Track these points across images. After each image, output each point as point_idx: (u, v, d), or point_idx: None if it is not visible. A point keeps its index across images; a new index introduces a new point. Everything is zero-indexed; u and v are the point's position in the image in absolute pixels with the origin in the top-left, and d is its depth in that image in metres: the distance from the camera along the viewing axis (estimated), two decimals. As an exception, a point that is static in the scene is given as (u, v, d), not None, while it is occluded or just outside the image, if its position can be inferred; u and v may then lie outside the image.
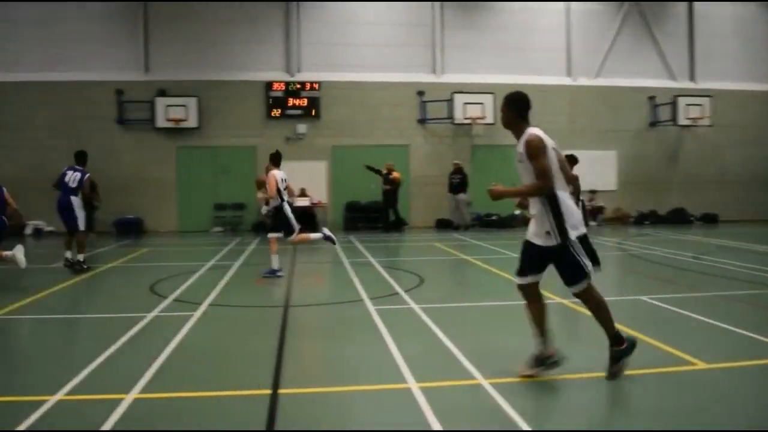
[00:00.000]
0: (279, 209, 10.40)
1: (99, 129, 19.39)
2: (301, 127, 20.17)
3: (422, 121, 20.79)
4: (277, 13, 20.31)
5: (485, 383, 4.73)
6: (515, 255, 5.07)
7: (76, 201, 11.21)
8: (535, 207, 4.78)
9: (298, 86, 20.05)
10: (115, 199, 19.05)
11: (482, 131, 20.25)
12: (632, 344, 4.76)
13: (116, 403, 4.36)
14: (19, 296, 8.61)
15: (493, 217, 19.92)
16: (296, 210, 11.87)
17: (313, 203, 19.70)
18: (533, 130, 4.71)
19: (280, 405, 4.40)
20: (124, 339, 6.16)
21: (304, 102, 20.09)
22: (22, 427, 3.96)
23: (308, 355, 6.00)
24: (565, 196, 4.69)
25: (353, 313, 7.63)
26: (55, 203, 11.31)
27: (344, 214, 20.16)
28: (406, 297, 8.38)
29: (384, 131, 20.56)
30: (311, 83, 20.06)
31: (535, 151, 4.61)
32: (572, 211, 4.70)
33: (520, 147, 4.75)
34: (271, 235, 10.51)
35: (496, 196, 4.77)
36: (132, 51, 19.83)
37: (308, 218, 19.52)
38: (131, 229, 19.17)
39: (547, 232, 4.67)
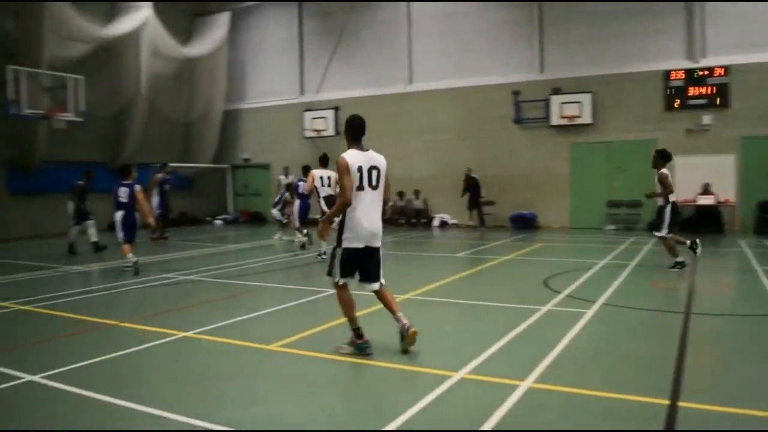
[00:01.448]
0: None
1: (498, 129, 20.84)
2: (706, 118, 18.35)
3: None
4: (678, -3, 18.79)
5: None
6: None
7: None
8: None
9: (702, 73, 18.32)
10: (511, 196, 20.43)
11: None
12: (364, 347, 5.59)
13: (512, 388, 4.63)
14: (429, 280, 9.72)
15: None
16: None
17: (718, 202, 17.84)
18: (345, 153, 5.59)
19: (679, 418, 4.11)
20: (519, 329, 6.48)
21: (709, 90, 18.27)
22: (431, 396, 4.47)
23: (712, 369, 5.47)
24: (359, 213, 5.54)
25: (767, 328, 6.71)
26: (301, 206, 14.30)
27: (756, 214, 17.68)
28: (840, 314, 7.03)
29: (813, 118, 17.40)
30: (718, 68, 18.13)
31: (337, 170, 5.61)
32: (356, 228, 5.56)
33: None
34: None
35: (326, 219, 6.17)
36: (528, 53, 20.66)
37: (713, 217, 17.78)
38: (526, 224, 20.04)
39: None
